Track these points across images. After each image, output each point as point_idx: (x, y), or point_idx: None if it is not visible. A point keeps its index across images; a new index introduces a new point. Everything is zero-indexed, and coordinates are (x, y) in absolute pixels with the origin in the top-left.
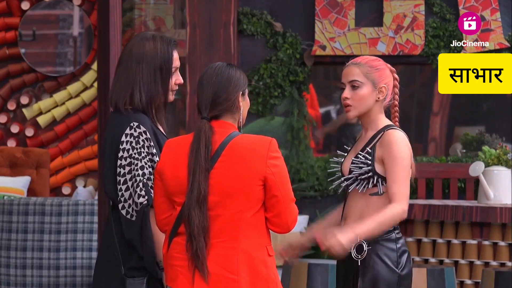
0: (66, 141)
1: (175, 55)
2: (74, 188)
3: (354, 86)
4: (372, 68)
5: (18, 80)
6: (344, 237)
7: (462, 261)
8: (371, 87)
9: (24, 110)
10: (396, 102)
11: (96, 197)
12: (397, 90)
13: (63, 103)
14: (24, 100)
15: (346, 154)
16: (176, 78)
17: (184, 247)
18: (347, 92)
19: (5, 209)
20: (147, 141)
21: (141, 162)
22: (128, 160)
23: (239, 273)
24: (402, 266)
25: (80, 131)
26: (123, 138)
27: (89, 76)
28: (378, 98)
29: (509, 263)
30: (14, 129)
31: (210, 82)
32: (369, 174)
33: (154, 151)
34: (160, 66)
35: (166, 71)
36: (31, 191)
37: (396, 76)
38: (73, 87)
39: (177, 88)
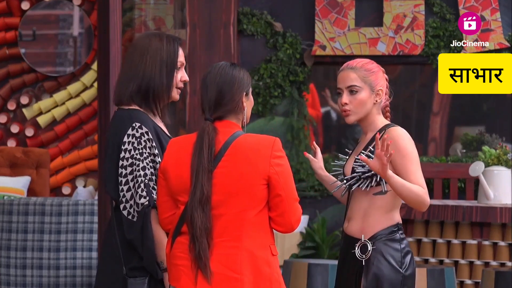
0: (66, 141)
1: (181, 51)
2: (74, 188)
3: (353, 91)
4: (368, 71)
5: (18, 80)
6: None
7: (462, 261)
8: (369, 91)
9: (24, 110)
10: (388, 103)
11: (96, 197)
12: (387, 91)
13: (63, 103)
14: (24, 100)
15: (347, 157)
16: (182, 75)
17: (187, 247)
18: (345, 98)
19: (5, 209)
20: (149, 142)
21: (142, 162)
22: (130, 160)
23: (243, 272)
24: (406, 267)
25: (80, 131)
26: (125, 139)
27: (89, 76)
28: (376, 101)
29: (509, 263)
30: (14, 129)
31: (214, 83)
32: (372, 172)
33: (156, 151)
34: (165, 59)
35: (171, 64)
36: (31, 191)
37: (386, 76)
38: (73, 87)
39: (182, 86)
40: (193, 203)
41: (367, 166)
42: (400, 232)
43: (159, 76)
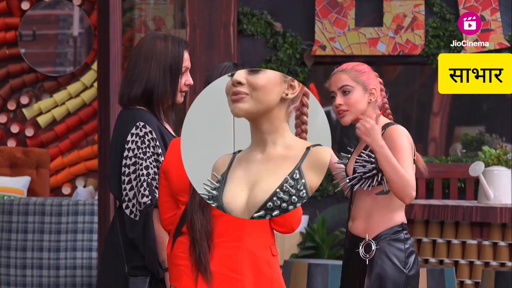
0: (66, 141)
1: (186, 55)
2: (74, 188)
3: (345, 92)
4: (358, 72)
5: (18, 80)
6: (377, 132)
7: (462, 261)
8: (362, 90)
9: (24, 110)
10: (387, 105)
11: (96, 197)
12: (384, 94)
13: (63, 103)
14: (24, 100)
15: (349, 155)
16: (186, 79)
17: (188, 247)
18: (339, 99)
19: (5, 209)
20: (153, 141)
21: (146, 162)
22: (133, 159)
23: (243, 272)
24: (409, 267)
25: (80, 131)
26: (129, 138)
27: (89, 76)
28: (370, 100)
29: (509, 263)
30: (14, 129)
31: None
32: (373, 172)
33: (160, 151)
34: (170, 65)
35: (176, 70)
36: (31, 191)
37: (380, 80)
38: (73, 87)
39: (186, 89)
40: (193, 206)
41: (368, 165)
42: (405, 232)
43: (163, 81)
